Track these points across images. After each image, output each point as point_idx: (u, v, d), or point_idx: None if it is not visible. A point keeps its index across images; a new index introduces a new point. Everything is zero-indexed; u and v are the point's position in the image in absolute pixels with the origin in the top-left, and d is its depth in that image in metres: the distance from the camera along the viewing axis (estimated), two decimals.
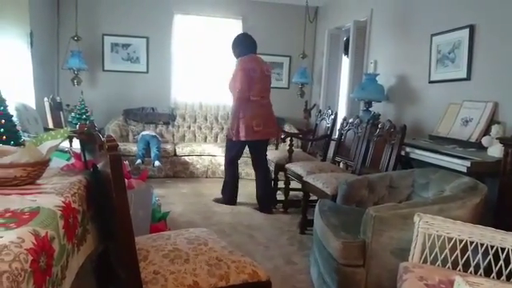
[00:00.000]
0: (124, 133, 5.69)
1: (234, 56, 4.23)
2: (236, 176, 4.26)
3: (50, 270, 1.06)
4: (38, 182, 1.60)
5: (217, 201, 4.33)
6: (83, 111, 4.96)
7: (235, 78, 4.02)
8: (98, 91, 5.88)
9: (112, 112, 5.83)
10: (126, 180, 2.02)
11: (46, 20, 5.37)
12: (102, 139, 1.43)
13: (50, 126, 4.45)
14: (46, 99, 4.58)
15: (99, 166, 1.67)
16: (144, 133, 5.51)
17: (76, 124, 4.55)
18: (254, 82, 3.97)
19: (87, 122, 4.69)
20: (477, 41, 3.19)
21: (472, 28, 3.21)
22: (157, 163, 5.08)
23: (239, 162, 4.31)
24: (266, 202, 4.11)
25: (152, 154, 5.16)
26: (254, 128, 3.97)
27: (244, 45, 4.14)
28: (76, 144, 2.82)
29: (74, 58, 5.47)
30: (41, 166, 1.59)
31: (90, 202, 1.64)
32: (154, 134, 5.52)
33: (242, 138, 4.00)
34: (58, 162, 2.33)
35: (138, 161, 5.06)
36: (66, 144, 3.81)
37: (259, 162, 4.20)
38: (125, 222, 1.32)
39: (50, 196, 1.38)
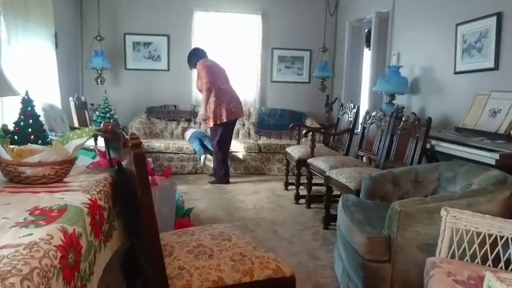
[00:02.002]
0: (147, 130, 5.77)
1: (191, 68, 5.10)
2: (226, 158, 4.98)
3: (79, 265, 1.09)
4: (65, 179, 1.64)
5: (212, 182, 4.92)
6: (107, 110, 5.05)
7: (201, 76, 4.77)
8: (120, 90, 5.98)
9: (135, 110, 5.92)
10: (150, 177, 2.05)
11: (69, 21, 5.49)
12: (126, 137, 1.45)
13: (76, 125, 4.55)
14: (71, 99, 4.69)
15: (124, 163, 1.69)
16: (193, 131, 5.60)
17: (100, 123, 4.65)
18: (217, 74, 4.77)
19: (111, 121, 4.78)
20: (505, 29, 3.08)
21: (500, 16, 3.10)
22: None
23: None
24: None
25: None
26: (232, 109, 4.78)
27: (196, 55, 4.94)
28: (101, 142, 2.87)
29: (97, 58, 5.58)
30: (68, 164, 1.62)
31: (115, 199, 1.67)
32: (200, 130, 5.65)
33: (224, 119, 4.73)
34: (83, 160, 2.39)
35: (203, 156, 5.23)
36: (91, 142, 3.90)
37: (230, 142, 5.01)
38: (149, 219, 1.33)
39: (77, 193, 1.41)
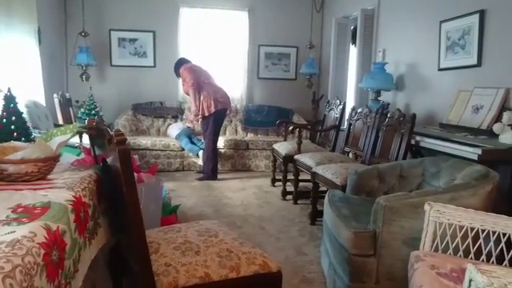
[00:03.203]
0: (133, 127, 5.73)
1: (178, 77, 5.22)
2: (216, 150, 5.06)
3: (63, 263, 1.08)
4: (49, 177, 1.62)
5: (200, 179, 4.94)
6: (92, 107, 5.00)
7: (184, 78, 4.96)
8: (106, 86, 5.92)
9: (121, 107, 5.86)
10: (135, 174, 2.03)
11: (53, 16, 5.40)
12: (111, 133, 1.44)
13: (60, 122, 4.49)
14: (55, 96, 4.62)
15: (109, 160, 1.68)
16: (179, 127, 5.53)
17: (85, 120, 4.59)
18: (199, 72, 4.94)
19: (96, 117, 4.72)
20: (487, 26, 3.13)
21: (482, 13, 3.15)
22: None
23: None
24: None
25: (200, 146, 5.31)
26: (219, 99, 4.87)
27: (180, 63, 5.08)
28: (86, 139, 2.84)
29: (82, 54, 5.50)
30: (51, 161, 1.60)
31: (100, 196, 1.66)
32: (187, 127, 5.54)
33: (213, 110, 4.82)
34: (68, 158, 2.36)
35: (200, 152, 5.19)
36: (76, 140, 3.85)
37: (218, 136, 5.10)
38: (135, 215, 1.33)
39: (61, 191, 1.40)
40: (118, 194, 1.44)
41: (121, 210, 1.50)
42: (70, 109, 4.98)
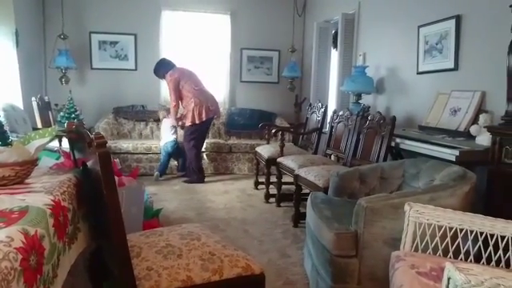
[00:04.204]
0: (115, 131, 5.65)
1: (160, 78, 5.17)
2: (200, 154, 5.11)
3: (41, 268, 1.06)
4: (27, 181, 1.58)
5: (187, 181, 4.95)
6: (72, 110, 4.92)
7: (169, 89, 4.97)
8: (86, 90, 5.83)
9: (102, 110, 5.78)
10: (116, 178, 2.01)
11: (31, 18, 5.30)
12: (91, 136, 1.42)
13: (39, 125, 4.40)
14: (33, 99, 4.53)
15: (89, 164, 1.66)
16: (170, 137, 5.11)
17: (65, 123, 4.51)
18: (187, 78, 4.93)
19: (75, 121, 4.65)
20: (463, 31, 3.21)
21: (458, 18, 3.23)
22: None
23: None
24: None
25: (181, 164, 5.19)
26: (210, 108, 4.92)
27: (163, 66, 5.02)
28: (66, 144, 2.79)
29: (61, 57, 5.41)
30: (29, 165, 1.57)
31: (80, 201, 1.63)
32: (174, 139, 5.13)
33: (204, 118, 4.86)
34: (47, 162, 2.31)
35: (156, 173, 5.04)
36: (55, 144, 3.77)
37: (204, 140, 5.18)
38: (116, 219, 1.31)
39: (39, 195, 1.37)
40: (99, 197, 1.42)
41: (102, 214, 1.48)
42: (49, 112, 4.89)
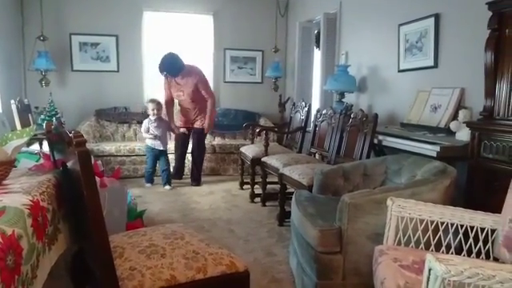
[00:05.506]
0: (97, 134, 5.57)
1: (176, 73, 4.59)
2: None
3: (19, 268, 1.03)
4: (5, 182, 1.55)
5: (196, 184, 4.90)
6: (53, 113, 4.83)
7: (206, 85, 4.78)
8: (67, 92, 5.73)
9: (83, 113, 5.69)
10: (98, 179, 1.98)
11: (9, 20, 5.19)
12: (70, 135, 1.40)
13: (19, 128, 4.30)
14: (12, 102, 4.42)
15: (69, 164, 1.63)
16: (149, 142, 4.76)
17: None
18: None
19: (53, 121, 4.56)
20: (442, 29, 3.27)
21: (437, 17, 3.28)
22: (167, 187, 4.72)
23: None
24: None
25: (162, 175, 4.76)
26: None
27: (179, 59, 4.58)
28: (46, 147, 2.74)
29: (40, 59, 5.31)
30: (6, 165, 1.54)
31: (60, 201, 1.60)
32: (159, 146, 4.74)
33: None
34: (27, 164, 2.27)
35: (148, 184, 4.81)
36: (35, 147, 3.71)
37: None
38: (97, 219, 1.29)
39: (17, 195, 1.34)
40: (79, 198, 1.40)
41: (83, 214, 1.45)
42: (30, 115, 4.79)
